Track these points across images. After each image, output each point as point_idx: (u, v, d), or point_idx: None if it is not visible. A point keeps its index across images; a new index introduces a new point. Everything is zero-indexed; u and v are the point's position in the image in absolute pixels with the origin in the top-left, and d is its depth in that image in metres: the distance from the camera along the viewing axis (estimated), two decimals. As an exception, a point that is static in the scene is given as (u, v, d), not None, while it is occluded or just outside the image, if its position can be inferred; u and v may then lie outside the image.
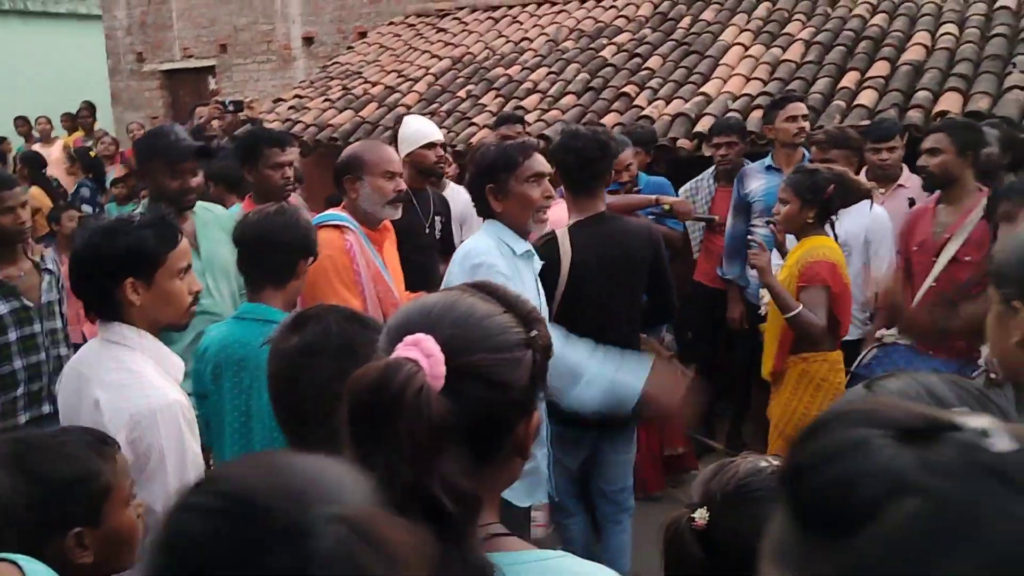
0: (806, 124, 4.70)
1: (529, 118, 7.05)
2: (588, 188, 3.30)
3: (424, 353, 0.99)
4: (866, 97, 5.94)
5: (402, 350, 1.00)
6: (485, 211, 2.96)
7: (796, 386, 3.40)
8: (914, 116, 5.53)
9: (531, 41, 8.81)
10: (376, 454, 0.94)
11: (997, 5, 6.64)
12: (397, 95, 8.49)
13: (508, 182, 2.86)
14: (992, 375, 3.61)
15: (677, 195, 5.06)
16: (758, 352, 3.83)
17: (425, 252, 4.24)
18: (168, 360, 2.15)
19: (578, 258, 3.27)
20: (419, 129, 4.51)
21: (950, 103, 5.51)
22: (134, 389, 1.99)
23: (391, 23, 10.79)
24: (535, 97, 7.57)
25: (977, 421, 0.58)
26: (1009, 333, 1.31)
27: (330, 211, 3.36)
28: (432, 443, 0.94)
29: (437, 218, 4.54)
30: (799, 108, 4.68)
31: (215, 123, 8.12)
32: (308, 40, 12.50)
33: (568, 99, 7.35)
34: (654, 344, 4.47)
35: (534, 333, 1.08)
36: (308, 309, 1.71)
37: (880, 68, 6.29)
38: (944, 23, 6.63)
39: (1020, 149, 4.13)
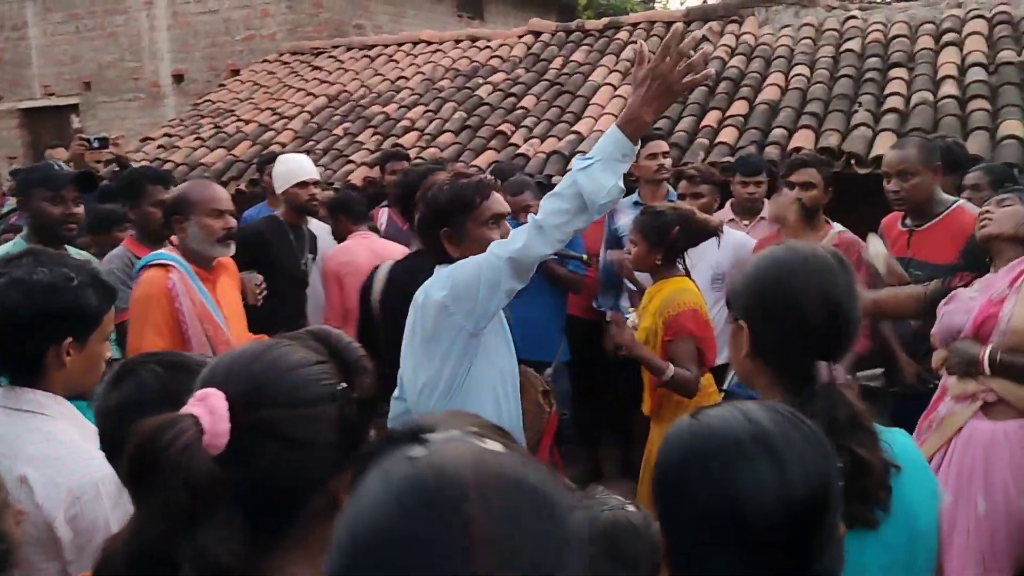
0: (667, 161, 4.85)
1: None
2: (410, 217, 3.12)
3: (208, 409, 0.94)
4: (727, 135, 6.25)
5: (190, 405, 0.96)
6: (439, 256, 2.57)
7: (674, 415, 3.48)
8: (771, 152, 5.86)
9: (408, 80, 8.88)
10: (137, 511, 0.91)
11: (843, 48, 7.12)
12: (272, 133, 8.37)
13: (464, 225, 2.49)
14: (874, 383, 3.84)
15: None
16: (637, 380, 3.91)
17: (298, 288, 4.21)
18: (87, 428, 1.88)
19: (389, 297, 3.16)
20: (291, 169, 4.49)
21: (803, 140, 5.86)
22: (69, 462, 1.77)
23: (265, 60, 10.66)
24: (413, 135, 7.61)
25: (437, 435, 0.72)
26: (740, 347, 1.49)
27: (160, 250, 3.29)
28: (191, 507, 0.89)
29: (310, 256, 4.53)
30: (660, 146, 4.84)
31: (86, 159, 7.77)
32: (178, 77, 12.18)
33: (446, 137, 7.42)
34: (531, 376, 4.52)
35: (344, 386, 1.02)
36: (127, 362, 1.56)
37: (739, 107, 6.63)
38: (796, 64, 7.07)
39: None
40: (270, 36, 11.50)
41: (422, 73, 8.95)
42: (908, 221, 3.56)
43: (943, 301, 2.79)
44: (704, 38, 7.95)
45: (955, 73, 6.27)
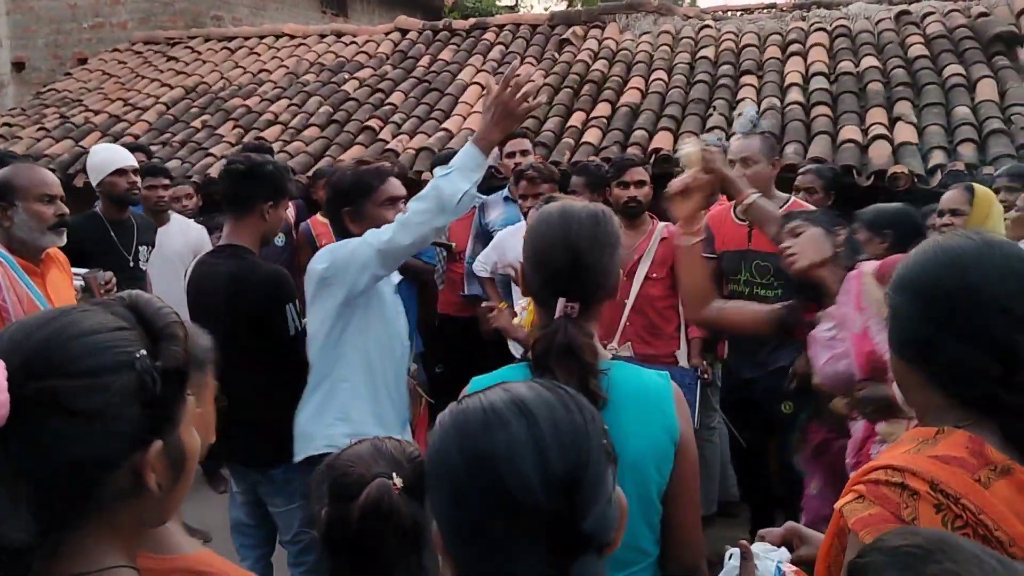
0: (526, 159, 4.87)
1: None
2: (230, 207, 3.06)
3: None
4: (591, 135, 6.43)
5: None
6: (343, 233, 2.93)
7: None
8: (633, 153, 6.06)
9: (270, 73, 8.66)
10: None
11: (698, 56, 7.46)
12: (124, 124, 7.99)
13: (364, 206, 2.87)
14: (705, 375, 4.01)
15: None
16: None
17: (131, 283, 4.00)
18: None
19: (190, 286, 3.13)
20: (106, 158, 4.25)
21: (663, 141, 6.11)
22: None
23: (116, 50, 10.15)
24: (276, 128, 7.43)
25: None
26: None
27: None
28: None
29: (143, 247, 4.32)
30: (519, 144, 4.91)
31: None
32: (18, 65, 11.42)
33: (311, 131, 7.29)
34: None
35: (143, 353, 0.95)
36: None
37: (602, 109, 6.84)
38: (655, 69, 7.35)
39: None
40: (121, 25, 10.98)
41: (285, 67, 8.76)
42: (742, 214, 3.68)
43: (809, 348, 2.70)
44: (567, 41, 8.15)
45: (800, 81, 6.69)
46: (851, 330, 2.54)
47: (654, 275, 3.99)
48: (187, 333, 1.02)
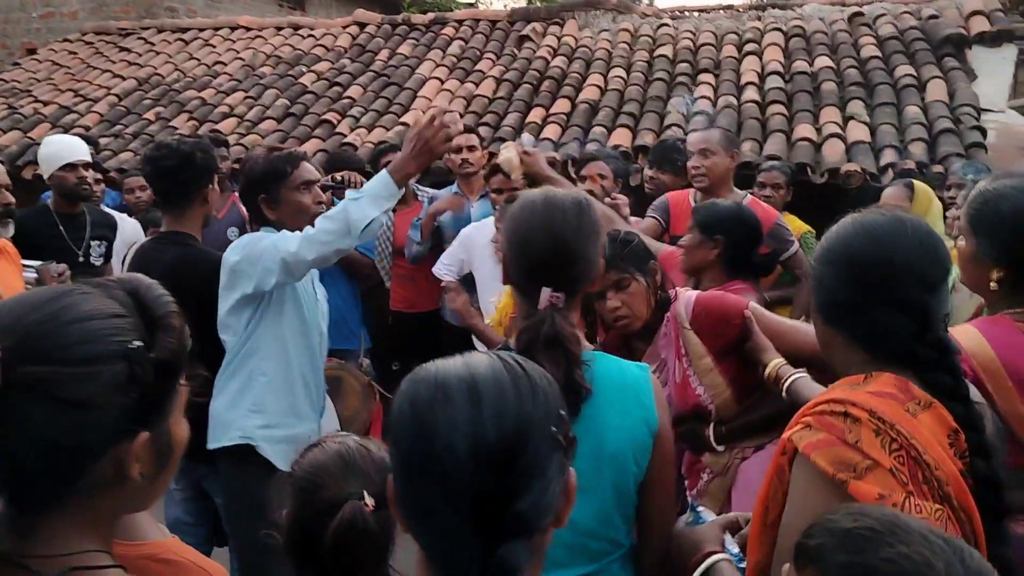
0: (472, 155, 4.85)
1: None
2: (168, 202, 3.08)
3: None
4: (551, 131, 6.44)
5: None
6: (260, 219, 2.95)
7: None
8: (592, 149, 6.08)
9: (225, 65, 8.54)
10: None
11: (657, 54, 7.52)
12: (74, 115, 7.82)
13: (279, 191, 2.87)
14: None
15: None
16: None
17: (84, 276, 3.89)
18: None
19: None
20: (57, 151, 4.14)
21: (621, 138, 6.15)
22: None
23: (66, 40, 9.92)
24: (232, 121, 7.33)
25: None
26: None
27: None
28: None
29: (96, 242, 4.23)
30: (467, 139, 4.82)
31: None
32: (-37, 54, 11.13)
33: (267, 124, 7.21)
34: (351, 370, 4.47)
35: (138, 344, 0.94)
36: None
37: (562, 105, 6.85)
38: (614, 67, 7.38)
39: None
40: (71, 15, 10.75)
41: (241, 59, 8.64)
42: (699, 202, 3.69)
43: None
44: (527, 37, 8.15)
45: (756, 80, 6.77)
46: (672, 378, 2.48)
47: None
48: (183, 323, 1.00)
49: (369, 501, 1.37)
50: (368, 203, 2.59)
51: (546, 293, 1.58)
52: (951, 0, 7.46)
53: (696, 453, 2.56)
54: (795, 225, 4.33)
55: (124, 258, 3.41)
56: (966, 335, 1.82)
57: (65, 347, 0.89)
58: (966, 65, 6.62)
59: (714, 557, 1.50)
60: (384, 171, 2.65)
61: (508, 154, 3.22)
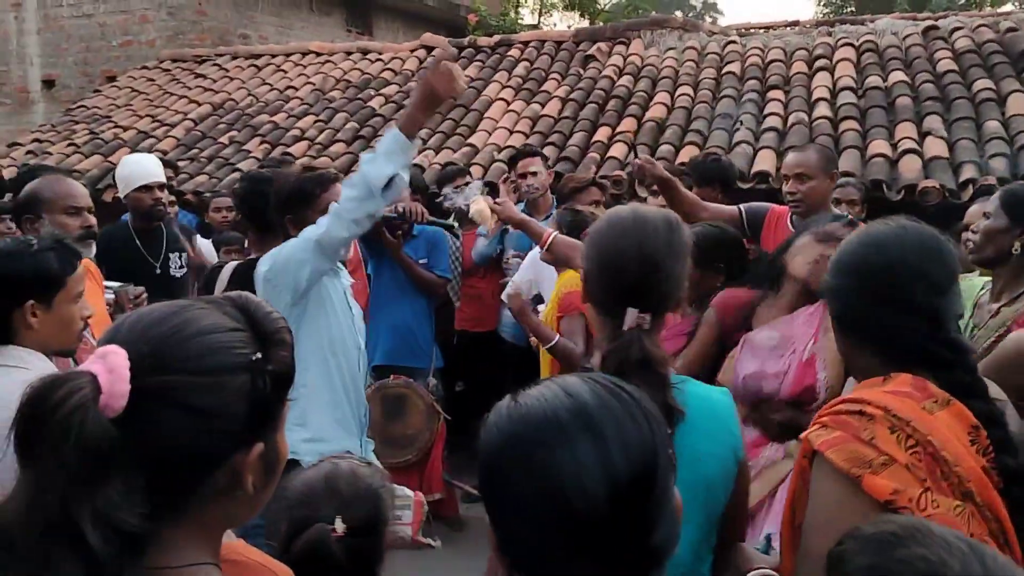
0: (535, 180, 4.87)
1: (297, 166, 6.95)
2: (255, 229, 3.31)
3: (107, 368, 0.88)
4: (617, 150, 6.42)
5: (90, 362, 0.89)
6: (285, 238, 2.93)
7: None
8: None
9: (296, 90, 8.73)
10: (30, 474, 0.85)
11: (724, 71, 7.44)
12: (152, 140, 8.07)
13: (305, 213, 2.86)
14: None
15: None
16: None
17: (165, 291, 3.98)
18: None
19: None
20: (132, 172, 4.23)
21: (689, 156, 6.08)
22: None
23: (144, 67, 10.28)
24: (303, 144, 7.48)
25: None
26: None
27: None
28: (86, 469, 0.84)
29: (173, 255, 4.34)
30: (528, 164, 4.91)
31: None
32: (49, 83, 11.60)
33: (337, 147, 7.33)
34: (416, 388, 4.50)
35: (259, 356, 0.96)
36: None
37: (628, 124, 6.82)
38: (681, 84, 7.33)
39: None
40: (149, 43, 11.10)
41: (312, 84, 8.82)
42: (797, 224, 3.56)
43: (739, 347, 2.62)
44: (592, 57, 8.16)
45: (827, 96, 6.65)
46: (798, 353, 2.47)
47: None
48: (293, 339, 1.04)
49: (339, 527, 1.40)
50: (384, 161, 2.58)
51: (632, 314, 1.52)
52: (1031, 11, 7.23)
53: (780, 441, 2.52)
54: None
55: (212, 278, 3.51)
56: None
57: (192, 357, 0.93)
58: (1048, 78, 6.40)
59: (763, 571, 1.51)
60: (394, 126, 2.65)
61: (478, 206, 3.34)
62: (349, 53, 9.57)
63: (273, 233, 3.02)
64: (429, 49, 9.18)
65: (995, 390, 1.45)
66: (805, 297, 2.56)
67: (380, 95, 8.21)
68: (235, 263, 3.55)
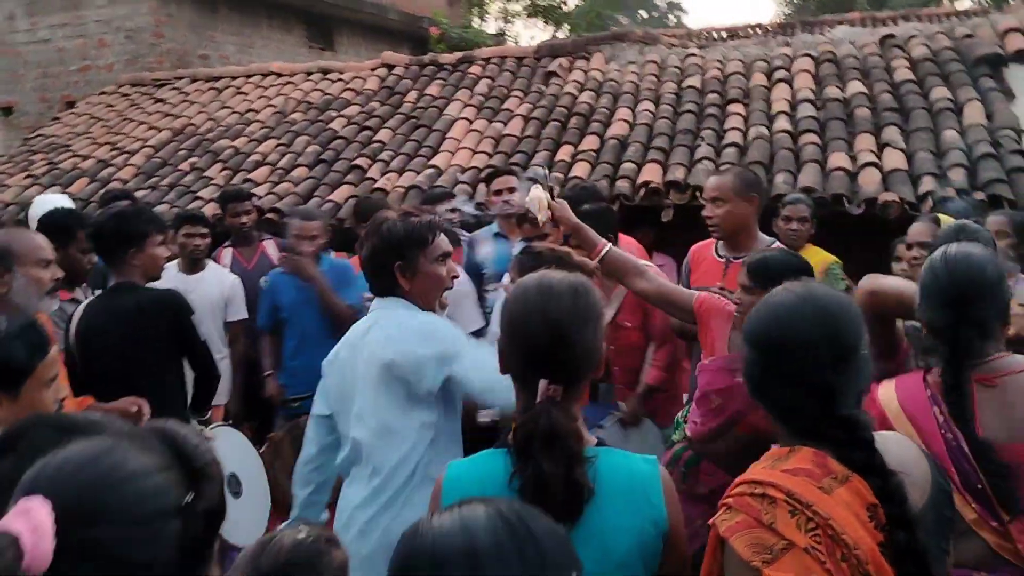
0: (512, 196, 4.81)
1: (259, 191, 6.89)
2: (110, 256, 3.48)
3: (31, 526, 0.82)
4: (580, 169, 6.40)
5: (11, 518, 0.84)
6: (386, 288, 2.63)
7: None
8: (622, 186, 6.05)
9: (257, 112, 8.65)
10: None
11: (685, 84, 7.45)
12: (111, 169, 7.97)
13: (417, 260, 2.58)
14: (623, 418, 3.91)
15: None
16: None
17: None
18: None
19: (88, 334, 3.38)
20: (35, 214, 4.20)
21: (651, 174, 6.09)
22: None
23: (103, 92, 10.15)
24: (264, 170, 7.41)
25: None
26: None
27: None
28: None
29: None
30: (505, 182, 4.85)
31: None
32: (6, 110, 11.44)
33: (299, 171, 7.27)
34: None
35: (191, 498, 0.93)
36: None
37: (590, 142, 6.81)
38: (642, 100, 7.32)
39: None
40: (108, 67, 10.97)
41: (273, 106, 8.74)
42: (722, 251, 3.61)
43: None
44: (554, 73, 8.15)
45: (787, 109, 6.67)
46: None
47: (626, 323, 3.93)
48: (220, 470, 1.00)
49: None
50: (498, 394, 2.31)
51: (543, 385, 1.51)
52: (985, 18, 7.33)
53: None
54: (820, 257, 4.24)
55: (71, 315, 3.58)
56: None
57: (125, 507, 0.88)
58: (1003, 85, 6.48)
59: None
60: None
61: (537, 193, 3.14)
62: (310, 73, 9.49)
63: (383, 283, 2.68)
64: (390, 67, 9.14)
65: (894, 460, 1.44)
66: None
67: (341, 116, 8.15)
68: (88, 301, 3.62)
